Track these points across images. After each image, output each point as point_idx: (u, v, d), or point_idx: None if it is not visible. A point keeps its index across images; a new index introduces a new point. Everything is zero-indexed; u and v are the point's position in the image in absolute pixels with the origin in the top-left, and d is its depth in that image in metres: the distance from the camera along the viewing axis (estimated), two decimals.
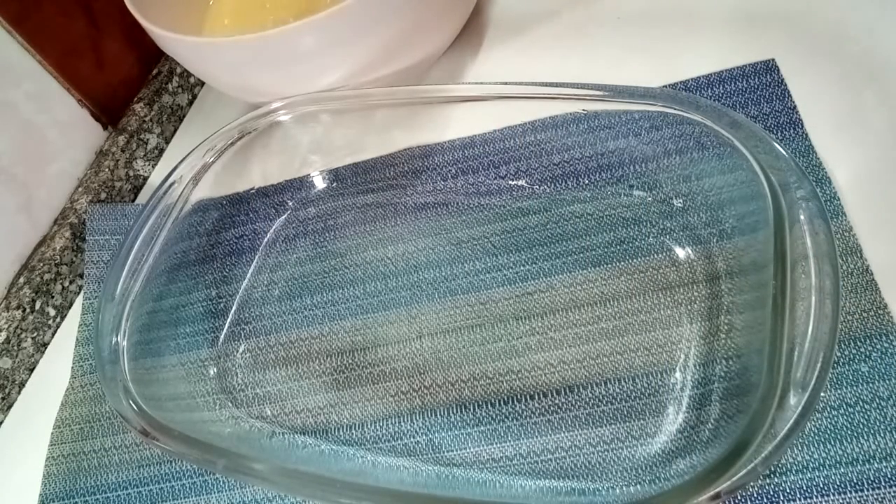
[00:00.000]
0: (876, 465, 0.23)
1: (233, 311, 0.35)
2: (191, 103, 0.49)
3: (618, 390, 0.27)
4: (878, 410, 0.24)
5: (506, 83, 0.32)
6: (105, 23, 0.45)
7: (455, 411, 0.29)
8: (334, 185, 0.38)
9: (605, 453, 0.26)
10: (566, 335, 0.29)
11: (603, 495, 0.26)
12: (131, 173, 0.45)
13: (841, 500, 0.23)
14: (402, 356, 0.31)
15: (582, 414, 0.27)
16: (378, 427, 0.30)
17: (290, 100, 0.35)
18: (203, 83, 0.50)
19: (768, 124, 0.31)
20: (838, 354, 0.25)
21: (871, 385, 0.25)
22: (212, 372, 0.33)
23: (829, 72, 0.32)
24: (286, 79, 0.35)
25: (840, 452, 0.24)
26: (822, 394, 0.23)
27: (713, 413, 0.25)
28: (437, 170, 0.36)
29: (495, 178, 0.35)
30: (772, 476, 0.24)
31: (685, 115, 0.28)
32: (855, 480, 0.23)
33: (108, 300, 0.31)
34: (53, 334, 0.40)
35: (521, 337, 0.30)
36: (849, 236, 0.27)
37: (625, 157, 0.32)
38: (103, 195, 0.43)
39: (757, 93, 0.32)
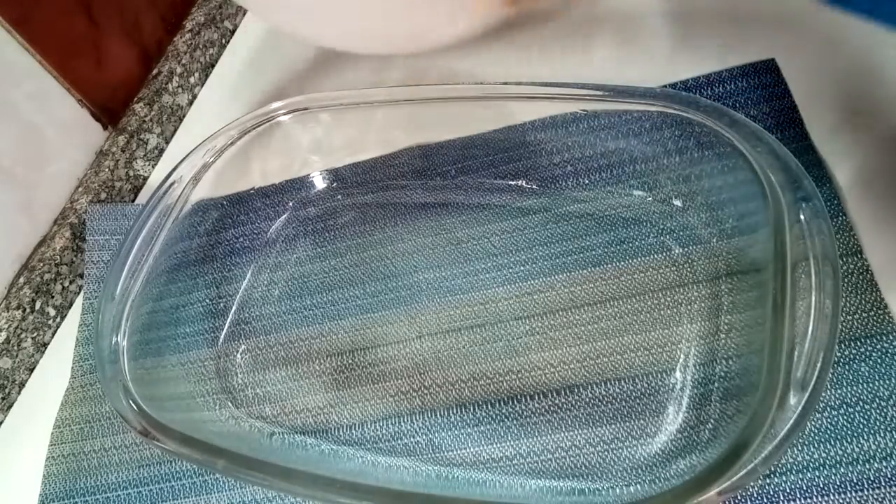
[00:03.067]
0: (876, 465, 0.23)
1: (233, 311, 0.35)
2: (191, 103, 0.49)
3: (618, 390, 0.27)
4: (878, 410, 0.24)
5: (506, 83, 0.32)
6: (105, 23, 0.45)
7: (455, 411, 0.29)
8: (334, 185, 0.38)
9: (605, 453, 0.26)
10: (566, 335, 0.29)
11: (603, 495, 0.26)
12: (131, 173, 0.45)
13: (841, 500, 0.23)
14: (402, 356, 0.31)
15: (582, 414, 0.27)
16: (378, 427, 0.30)
17: (291, 100, 0.35)
18: (203, 83, 0.50)
19: (768, 124, 0.31)
20: (838, 354, 0.25)
21: (871, 385, 0.25)
22: (212, 372, 0.33)
23: (829, 72, 0.32)
24: None
25: (840, 452, 0.24)
26: (822, 394, 0.23)
27: (713, 413, 0.25)
28: (437, 170, 0.36)
29: (495, 178, 0.35)
30: (772, 476, 0.24)
31: (685, 115, 0.28)
32: (855, 480, 0.23)
33: (108, 300, 0.30)
34: (53, 334, 0.40)
35: (521, 337, 0.30)
36: (849, 236, 0.27)
37: (625, 157, 0.32)
38: (103, 195, 0.43)
39: (757, 93, 0.32)
